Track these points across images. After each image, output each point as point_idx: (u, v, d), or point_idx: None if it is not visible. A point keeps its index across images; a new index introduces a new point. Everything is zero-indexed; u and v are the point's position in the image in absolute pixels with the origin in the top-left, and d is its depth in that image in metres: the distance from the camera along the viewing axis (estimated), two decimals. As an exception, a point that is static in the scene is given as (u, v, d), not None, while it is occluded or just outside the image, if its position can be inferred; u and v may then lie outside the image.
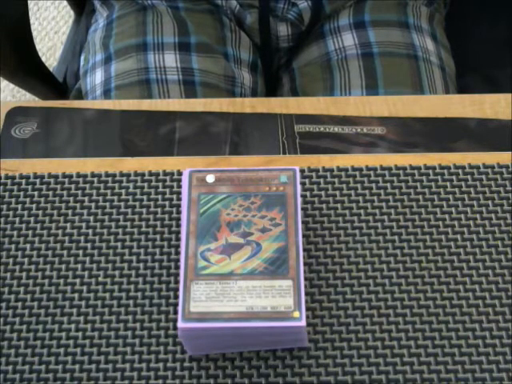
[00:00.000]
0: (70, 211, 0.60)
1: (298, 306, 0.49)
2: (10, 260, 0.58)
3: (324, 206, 0.60)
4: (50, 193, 0.61)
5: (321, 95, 0.85)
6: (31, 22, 1.69)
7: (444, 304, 0.55)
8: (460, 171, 0.61)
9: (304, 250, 0.58)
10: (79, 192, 0.61)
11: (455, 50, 0.93)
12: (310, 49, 0.90)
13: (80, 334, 0.54)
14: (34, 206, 0.60)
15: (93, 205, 0.60)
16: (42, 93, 0.99)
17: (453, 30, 0.96)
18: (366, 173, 0.61)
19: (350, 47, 0.87)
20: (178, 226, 0.59)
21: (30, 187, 0.61)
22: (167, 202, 0.60)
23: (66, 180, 0.62)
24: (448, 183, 0.61)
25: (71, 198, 0.61)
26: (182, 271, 0.51)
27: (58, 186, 0.61)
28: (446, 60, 0.89)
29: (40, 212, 0.60)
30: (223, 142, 0.68)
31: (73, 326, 0.55)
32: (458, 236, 0.58)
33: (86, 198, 0.61)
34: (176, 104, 0.70)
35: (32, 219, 0.60)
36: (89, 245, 0.58)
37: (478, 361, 0.53)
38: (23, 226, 0.59)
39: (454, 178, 0.61)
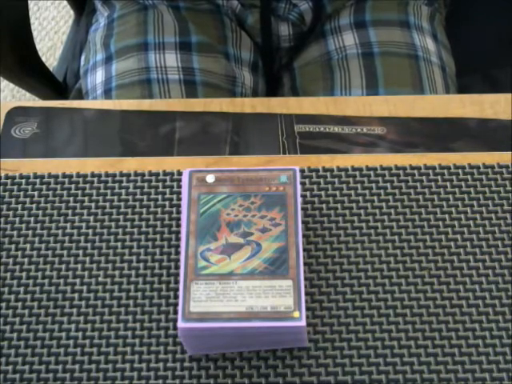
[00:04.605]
0: (69, 211, 0.60)
1: (298, 305, 0.49)
2: (10, 260, 0.58)
3: (324, 206, 0.60)
4: (50, 193, 0.61)
5: (321, 95, 0.85)
6: (31, 21, 1.68)
7: (444, 304, 0.55)
8: (460, 171, 0.61)
9: (304, 250, 0.58)
10: (79, 192, 0.61)
11: (455, 49, 0.93)
12: (311, 48, 0.90)
13: (80, 334, 0.54)
14: (33, 206, 0.60)
15: (93, 205, 0.60)
16: (41, 93, 0.99)
17: (453, 30, 0.96)
18: (366, 173, 0.61)
19: (350, 47, 0.87)
20: (178, 226, 0.59)
21: (29, 187, 0.61)
22: (167, 202, 0.60)
23: (66, 180, 0.62)
24: (448, 183, 0.61)
25: (71, 198, 0.61)
26: (181, 271, 0.51)
27: (58, 186, 0.61)
28: (446, 60, 0.89)
29: (40, 212, 0.60)
30: (223, 142, 0.68)
31: (73, 326, 0.55)
32: (458, 236, 0.58)
33: (86, 198, 0.61)
34: (176, 104, 0.70)
35: (32, 219, 0.60)
36: (89, 245, 0.58)
37: (478, 361, 0.53)
38: (23, 226, 0.59)
39: (454, 177, 0.61)
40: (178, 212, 0.60)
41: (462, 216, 0.59)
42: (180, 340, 0.54)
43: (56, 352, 0.54)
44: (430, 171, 0.61)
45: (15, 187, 0.61)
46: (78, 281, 0.57)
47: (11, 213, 0.60)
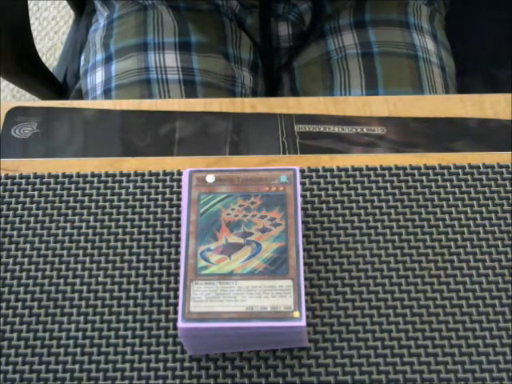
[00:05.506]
0: (69, 211, 0.60)
1: (298, 305, 0.49)
2: (10, 260, 0.58)
3: (324, 206, 0.60)
4: (50, 193, 0.61)
5: (321, 95, 0.85)
6: (31, 22, 1.69)
7: (444, 304, 0.55)
8: (460, 171, 0.61)
9: (304, 249, 0.58)
10: (79, 192, 0.61)
11: (455, 49, 0.93)
12: (311, 48, 0.90)
13: (80, 333, 0.54)
14: (33, 206, 0.60)
15: (93, 205, 0.60)
16: (41, 93, 0.99)
17: (453, 30, 0.96)
18: (366, 173, 0.61)
19: (350, 47, 0.87)
20: (178, 226, 0.59)
21: (29, 187, 0.61)
22: (167, 202, 0.60)
23: (66, 180, 0.62)
24: (448, 183, 0.61)
25: (71, 198, 0.61)
26: (181, 271, 0.51)
27: (58, 186, 0.61)
28: (446, 60, 0.89)
29: (40, 212, 0.60)
30: (223, 142, 0.68)
31: (73, 326, 0.55)
32: (458, 236, 0.58)
33: (86, 198, 0.61)
34: (176, 104, 0.70)
35: (32, 219, 0.60)
36: (89, 245, 0.58)
37: (478, 361, 0.53)
38: (23, 226, 0.59)
39: (454, 177, 0.61)
40: (178, 212, 0.60)
41: (462, 216, 0.59)
42: (180, 340, 0.54)
43: (56, 352, 0.54)
44: (430, 171, 0.61)
45: (15, 187, 0.61)
46: (78, 281, 0.57)
47: (11, 213, 0.60)
